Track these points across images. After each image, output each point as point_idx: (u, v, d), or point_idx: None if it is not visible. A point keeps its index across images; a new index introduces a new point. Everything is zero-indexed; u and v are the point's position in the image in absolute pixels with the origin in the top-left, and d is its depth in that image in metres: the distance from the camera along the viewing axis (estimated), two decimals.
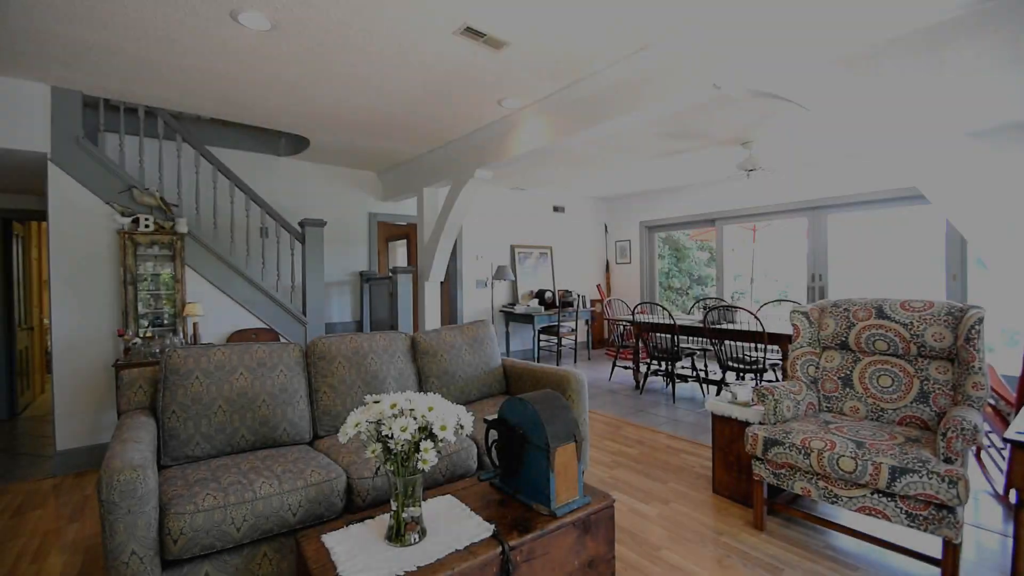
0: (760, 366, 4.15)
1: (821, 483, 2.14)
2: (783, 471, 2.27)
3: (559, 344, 6.60)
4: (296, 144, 4.96)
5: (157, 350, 3.35)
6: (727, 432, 2.70)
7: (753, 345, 4.23)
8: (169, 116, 3.87)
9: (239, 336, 3.97)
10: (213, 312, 3.88)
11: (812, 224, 5.81)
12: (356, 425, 1.48)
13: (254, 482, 1.79)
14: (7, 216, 4.71)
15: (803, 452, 2.16)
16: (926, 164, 2.08)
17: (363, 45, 2.80)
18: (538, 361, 6.60)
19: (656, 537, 2.34)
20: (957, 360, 2.28)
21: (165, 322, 3.64)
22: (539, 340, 6.71)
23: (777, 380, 4.48)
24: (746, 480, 2.61)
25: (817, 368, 2.69)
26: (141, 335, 3.46)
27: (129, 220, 3.46)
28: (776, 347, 4.38)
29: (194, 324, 3.64)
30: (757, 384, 4.09)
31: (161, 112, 3.81)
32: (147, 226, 3.51)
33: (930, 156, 2.07)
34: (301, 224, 4.28)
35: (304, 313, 4.30)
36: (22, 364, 5.03)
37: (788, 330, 4.05)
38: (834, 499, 2.10)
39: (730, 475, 2.69)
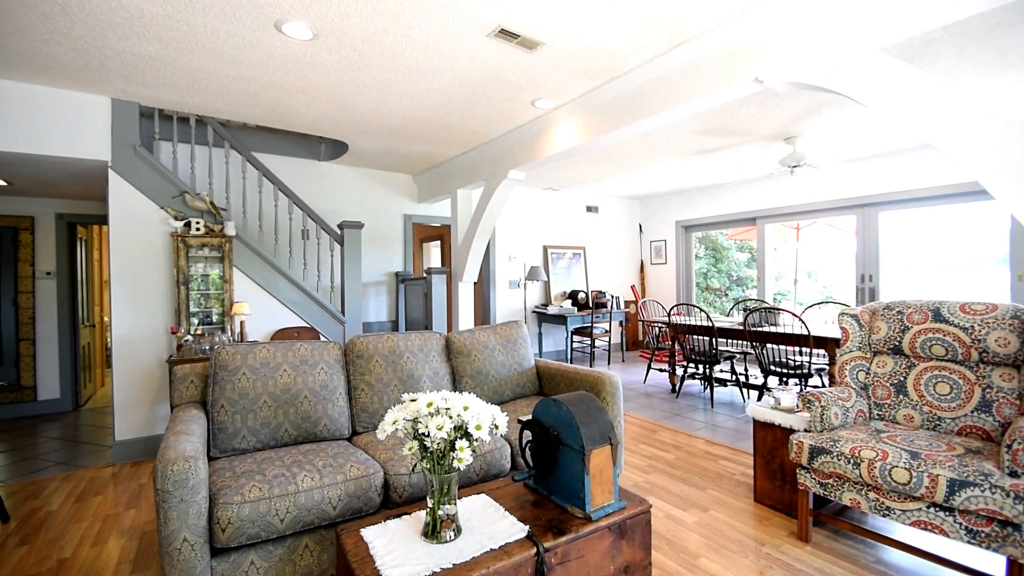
0: (805, 371, 3.99)
1: (872, 495, 2.03)
2: (830, 481, 2.17)
3: (592, 345, 6.53)
4: (335, 149, 5.11)
5: (207, 347, 3.52)
6: (770, 439, 2.60)
7: (797, 349, 4.07)
8: (218, 124, 4.06)
9: (282, 334, 4.11)
10: (258, 311, 4.04)
11: (862, 222, 5.53)
12: (394, 423, 1.51)
13: (296, 475, 1.86)
14: (72, 220, 5.05)
15: (852, 462, 2.05)
16: (989, 157, 1.95)
17: (399, 51, 2.85)
18: (571, 362, 6.56)
19: (694, 545, 2.28)
20: None
21: (214, 320, 3.82)
22: (572, 341, 6.67)
23: (823, 386, 4.29)
24: (790, 489, 2.51)
25: (867, 374, 2.56)
26: (192, 333, 3.64)
27: (182, 224, 3.65)
28: (822, 351, 4.20)
29: (241, 323, 3.80)
30: (802, 390, 3.93)
31: (211, 121, 4.00)
32: (198, 229, 3.69)
33: (993, 149, 1.93)
34: (340, 226, 4.41)
35: (343, 313, 4.42)
36: (85, 359, 5.38)
37: (835, 333, 3.87)
38: (886, 512, 1.99)
39: (773, 484, 2.59)
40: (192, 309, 3.73)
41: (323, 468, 1.93)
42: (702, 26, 2.61)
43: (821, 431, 2.29)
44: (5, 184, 4.23)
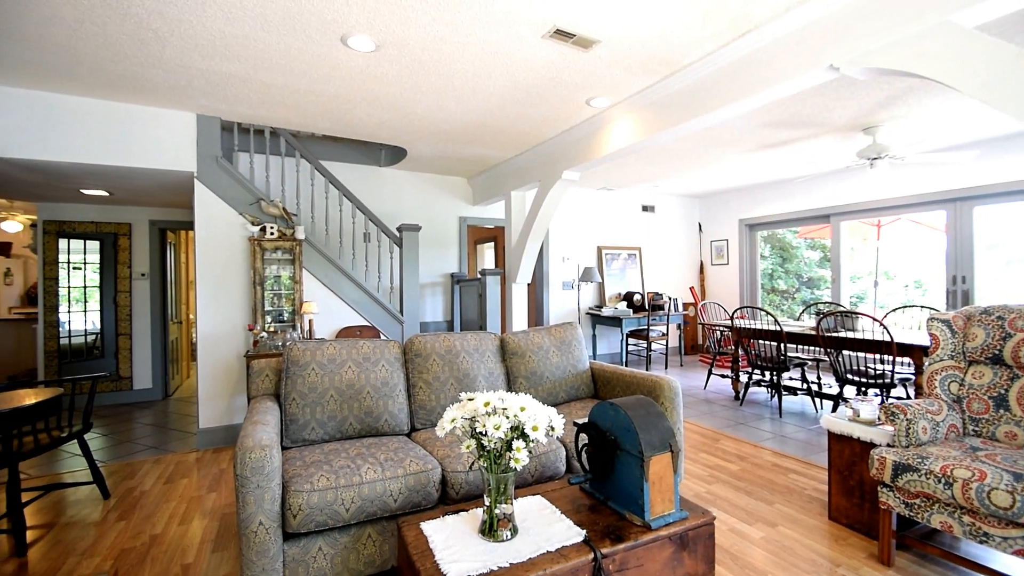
0: (887, 380, 3.68)
1: (966, 518, 1.84)
2: (917, 501, 1.99)
3: (648, 349, 6.37)
4: (395, 155, 5.29)
5: (280, 343, 3.75)
6: (847, 453, 2.42)
7: (878, 356, 3.76)
8: (289, 135, 4.33)
9: (346, 332, 4.31)
10: (324, 310, 4.26)
11: (953, 218, 5.04)
12: (452, 420, 1.54)
13: (360, 467, 1.94)
14: (163, 226, 5.55)
15: (943, 481, 1.87)
16: None
17: (456, 58, 2.91)
18: (626, 365, 6.42)
19: (760, 561, 2.16)
20: None
21: (285, 319, 4.06)
22: (627, 344, 6.52)
23: (908, 397, 3.94)
24: (870, 508, 2.33)
25: (961, 385, 2.32)
26: (267, 330, 3.89)
27: (258, 228, 3.92)
28: (907, 360, 3.86)
29: (309, 321, 4.02)
30: (883, 401, 3.63)
31: (283, 132, 4.27)
32: (272, 233, 3.94)
33: None
34: (399, 229, 4.56)
35: (401, 312, 4.57)
36: (173, 353, 5.90)
37: (923, 340, 3.55)
38: (983, 538, 1.80)
39: (850, 501, 2.41)
40: (266, 308, 3.99)
41: (385, 462, 2.00)
42: (770, 11, 2.47)
43: (907, 446, 2.11)
44: (107, 194, 4.72)
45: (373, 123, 4.07)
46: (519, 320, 5.18)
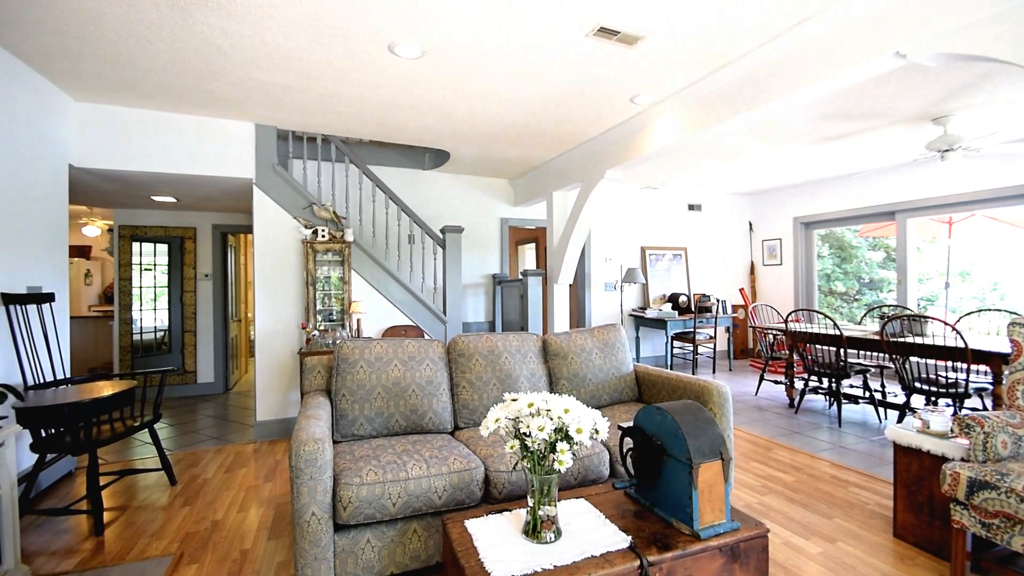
0: (960, 390, 3.40)
1: None
2: (995, 521, 1.83)
3: (695, 352, 6.17)
4: (438, 158, 5.39)
5: (330, 341, 3.90)
6: (915, 467, 2.26)
7: (950, 364, 3.49)
8: (339, 142, 4.50)
9: (391, 332, 4.43)
10: (371, 310, 4.40)
11: None
12: (496, 420, 1.55)
13: (406, 463, 1.98)
14: (224, 230, 5.88)
15: None
16: None
17: (499, 59, 2.93)
18: (671, 369, 6.25)
19: None
20: None
21: (334, 318, 4.22)
22: (672, 347, 6.36)
23: (985, 408, 3.63)
24: (940, 526, 2.16)
25: None
26: (318, 328, 4.06)
27: (310, 232, 4.09)
28: (984, 368, 3.56)
29: (358, 320, 4.16)
30: (956, 411, 3.38)
31: (333, 139, 4.44)
32: (323, 236, 4.11)
33: None
34: (442, 231, 4.64)
35: (444, 312, 4.65)
36: (233, 349, 6.24)
37: (1002, 347, 3.26)
38: None
39: (918, 518, 2.25)
40: (318, 307, 4.16)
41: (429, 459, 2.04)
42: None
43: (984, 461, 1.94)
44: (175, 201, 5.06)
45: (418, 127, 4.16)
46: (561, 321, 5.15)
